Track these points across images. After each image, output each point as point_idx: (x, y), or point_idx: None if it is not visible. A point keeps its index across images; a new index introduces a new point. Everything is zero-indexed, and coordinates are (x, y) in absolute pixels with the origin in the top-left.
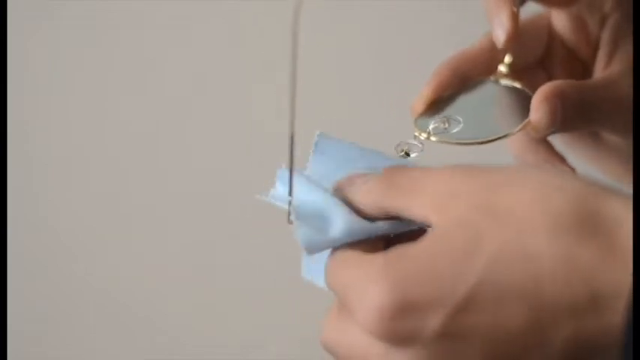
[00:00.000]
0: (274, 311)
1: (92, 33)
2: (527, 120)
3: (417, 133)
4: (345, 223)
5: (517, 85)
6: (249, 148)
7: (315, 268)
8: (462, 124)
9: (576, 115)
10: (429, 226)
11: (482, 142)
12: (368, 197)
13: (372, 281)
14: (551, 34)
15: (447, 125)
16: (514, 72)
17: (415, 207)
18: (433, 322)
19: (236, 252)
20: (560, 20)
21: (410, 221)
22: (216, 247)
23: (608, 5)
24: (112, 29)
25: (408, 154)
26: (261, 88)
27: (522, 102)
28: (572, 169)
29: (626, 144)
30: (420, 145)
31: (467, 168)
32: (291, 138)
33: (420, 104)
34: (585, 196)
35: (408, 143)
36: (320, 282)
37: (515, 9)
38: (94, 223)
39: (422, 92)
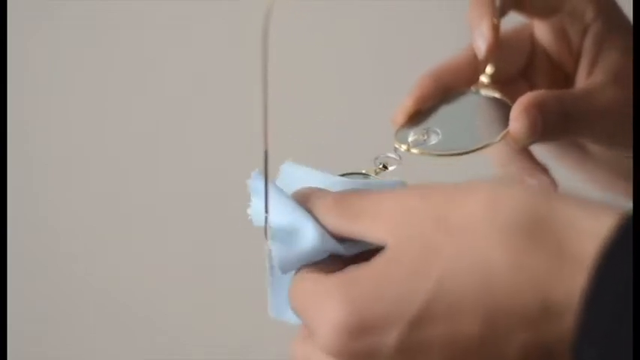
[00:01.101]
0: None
1: (92, 33)
2: (506, 130)
3: (397, 145)
4: (315, 235)
5: (498, 95)
6: (249, 148)
7: (279, 303)
8: (440, 136)
9: (557, 125)
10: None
11: (461, 154)
12: (325, 219)
13: (327, 303)
14: (533, 44)
15: (426, 137)
16: (496, 83)
17: (371, 231)
18: (390, 338)
19: (236, 252)
20: (542, 30)
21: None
22: (216, 247)
23: (590, 15)
24: (112, 29)
25: (386, 167)
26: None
27: (503, 112)
28: (554, 181)
29: (611, 154)
30: (398, 159)
31: (421, 187)
32: (265, 154)
33: (400, 116)
34: (534, 202)
35: (386, 157)
36: (287, 317)
37: (496, 20)
38: (94, 223)
39: (403, 103)
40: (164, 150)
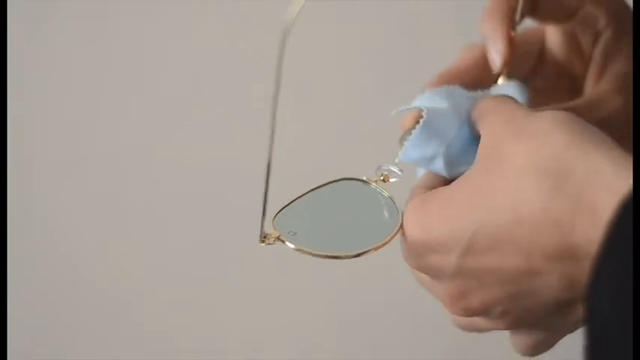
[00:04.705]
0: (274, 311)
1: (92, 33)
2: None
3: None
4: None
5: None
6: (249, 148)
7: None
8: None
9: None
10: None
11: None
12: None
13: (409, 220)
14: (543, 49)
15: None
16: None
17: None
18: (450, 262)
19: (236, 252)
20: (553, 36)
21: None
22: (216, 247)
23: (602, 22)
24: (112, 29)
25: (386, 180)
26: (261, 88)
27: None
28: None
29: None
30: (400, 173)
31: (514, 112)
32: (268, 166)
33: (411, 120)
34: (568, 152)
35: (388, 169)
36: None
37: (512, 33)
38: (94, 223)
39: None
40: (164, 150)
